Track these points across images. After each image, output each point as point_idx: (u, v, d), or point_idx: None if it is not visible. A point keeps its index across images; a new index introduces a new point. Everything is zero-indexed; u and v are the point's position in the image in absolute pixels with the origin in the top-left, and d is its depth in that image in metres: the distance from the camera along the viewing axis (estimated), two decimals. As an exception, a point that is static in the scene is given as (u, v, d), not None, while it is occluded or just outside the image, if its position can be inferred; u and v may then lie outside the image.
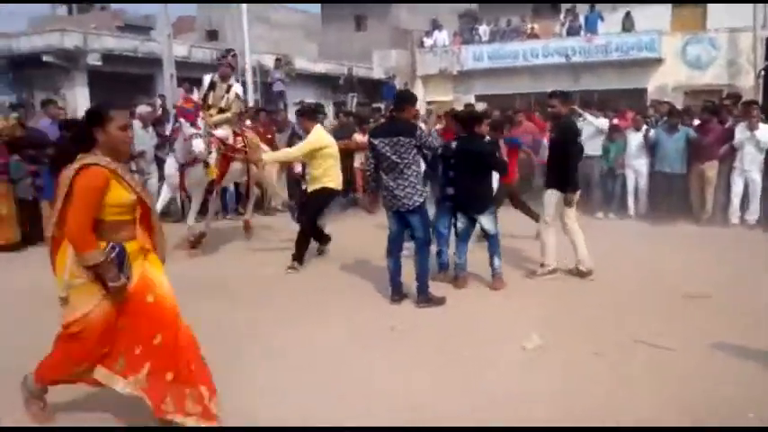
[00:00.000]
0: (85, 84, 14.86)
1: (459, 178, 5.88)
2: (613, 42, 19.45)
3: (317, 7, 25.82)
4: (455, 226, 6.08)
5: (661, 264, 6.73)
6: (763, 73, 17.20)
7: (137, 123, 9.24)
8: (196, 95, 7.79)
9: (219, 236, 8.27)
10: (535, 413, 3.42)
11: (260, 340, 4.49)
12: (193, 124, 6.63)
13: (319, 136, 6.81)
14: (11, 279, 6.54)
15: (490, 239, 5.96)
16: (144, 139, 9.38)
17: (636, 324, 4.83)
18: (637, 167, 9.52)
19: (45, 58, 14.24)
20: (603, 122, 9.70)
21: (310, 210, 6.90)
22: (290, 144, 9.28)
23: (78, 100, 14.41)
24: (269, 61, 17.28)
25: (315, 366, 4.06)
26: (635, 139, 9.49)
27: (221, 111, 7.42)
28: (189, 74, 15.71)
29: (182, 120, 6.72)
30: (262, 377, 3.86)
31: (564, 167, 6.07)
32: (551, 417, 3.38)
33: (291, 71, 18.10)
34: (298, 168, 10.86)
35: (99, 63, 14.83)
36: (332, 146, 6.85)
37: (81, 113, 11.02)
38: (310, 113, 7.17)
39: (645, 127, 9.57)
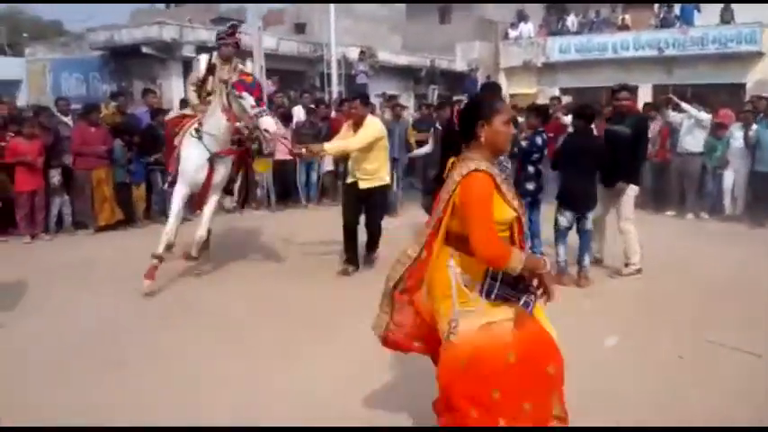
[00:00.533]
0: (180, 74, 15.57)
1: (569, 175, 5.93)
2: (710, 34, 18.45)
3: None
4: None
5: (749, 267, 6.45)
6: None
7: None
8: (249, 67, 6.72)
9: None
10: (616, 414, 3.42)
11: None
12: (259, 101, 5.47)
13: (379, 126, 6.27)
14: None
15: (585, 236, 5.95)
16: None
17: (719, 328, 4.70)
18: (737, 166, 9.09)
19: (144, 50, 15.04)
20: (705, 116, 9.29)
21: (380, 210, 6.52)
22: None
23: (174, 89, 15.15)
24: (353, 53, 17.55)
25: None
26: (739, 136, 9.05)
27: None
28: (278, 65, 16.25)
29: (243, 94, 5.43)
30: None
31: (637, 162, 6.02)
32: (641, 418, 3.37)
33: (375, 63, 18.30)
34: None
35: (193, 54, 15.51)
36: (386, 137, 6.38)
37: (176, 102, 11.67)
38: (365, 99, 6.51)
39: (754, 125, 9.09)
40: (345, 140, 6.13)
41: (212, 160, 5.84)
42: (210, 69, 6.26)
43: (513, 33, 22.20)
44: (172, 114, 7.34)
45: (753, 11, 18.27)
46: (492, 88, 5.68)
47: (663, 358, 4.17)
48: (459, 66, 21.86)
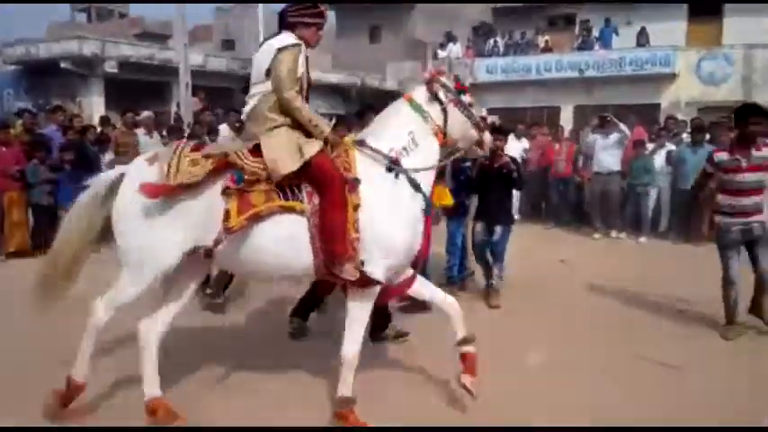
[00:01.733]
0: (102, 91, 15.06)
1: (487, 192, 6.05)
2: (627, 57, 19.41)
3: (331, 17, 26.04)
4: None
5: (677, 282, 6.69)
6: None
7: (140, 131, 9.38)
8: None
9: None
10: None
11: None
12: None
13: None
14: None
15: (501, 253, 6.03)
16: (148, 146, 9.41)
17: (641, 341, 4.84)
18: (661, 184, 9.41)
19: (63, 65, 14.44)
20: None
21: None
22: None
23: (94, 107, 14.59)
24: (283, 71, 17.39)
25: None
26: (660, 155, 9.40)
27: None
28: (205, 83, 15.93)
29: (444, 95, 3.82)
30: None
31: None
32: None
33: (305, 81, 18.20)
34: None
35: (115, 70, 15.02)
36: None
37: (96, 120, 11.19)
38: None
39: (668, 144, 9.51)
40: None
41: None
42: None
43: (441, 54, 22.61)
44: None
45: (667, 34, 19.34)
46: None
47: (586, 373, 4.24)
48: (390, 84, 22.07)
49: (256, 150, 3.37)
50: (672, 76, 19.10)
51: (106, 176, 3.54)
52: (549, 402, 3.80)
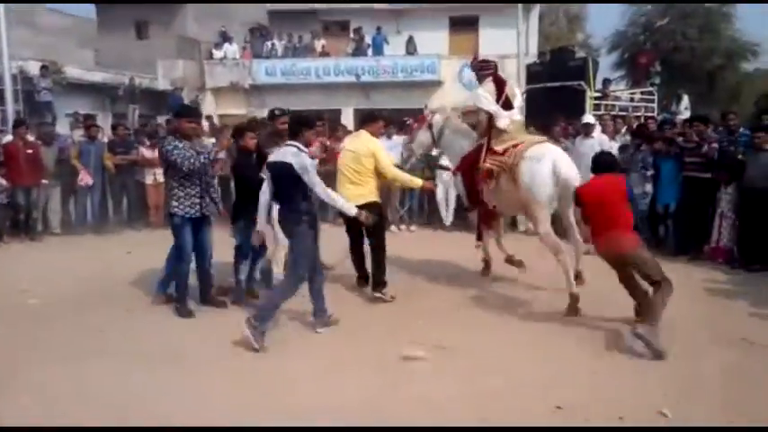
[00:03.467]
0: None
1: None
2: (399, 64, 20.51)
3: (92, 10, 23.66)
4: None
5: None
6: (524, 95, 19.23)
7: None
8: None
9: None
10: None
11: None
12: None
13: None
14: None
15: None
16: None
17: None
18: (446, 179, 9.91)
19: None
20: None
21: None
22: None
23: None
24: (34, 68, 15.37)
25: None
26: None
27: None
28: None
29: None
30: None
31: None
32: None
33: (62, 80, 16.32)
34: None
35: None
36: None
37: None
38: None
39: None
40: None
41: None
42: None
43: (217, 54, 21.82)
44: None
45: (432, 44, 20.80)
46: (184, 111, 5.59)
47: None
48: (162, 84, 20.73)
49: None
50: (438, 83, 20.57)
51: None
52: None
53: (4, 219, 9.33)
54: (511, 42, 19.29)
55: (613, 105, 12.40)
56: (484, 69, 6.28)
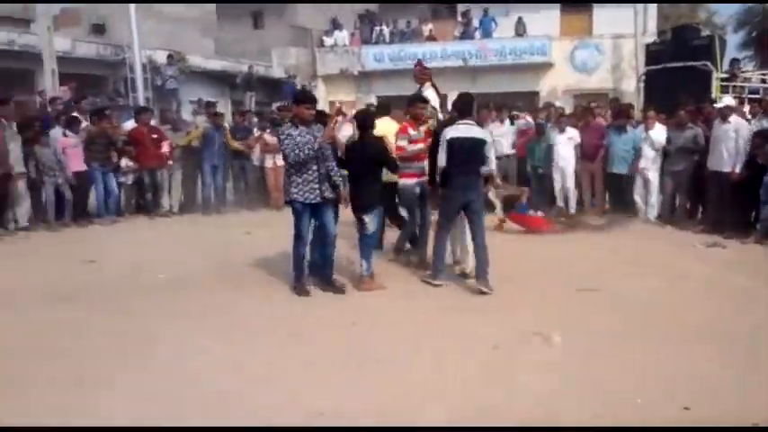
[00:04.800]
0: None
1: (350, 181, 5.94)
2: (507, 47, 20.11)
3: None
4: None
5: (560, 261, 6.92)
6: (643, 78, 18.31)
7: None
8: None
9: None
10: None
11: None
12: None
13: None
14: None
15: (363, 240, 5.87)
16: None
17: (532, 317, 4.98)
18: (563, 167, 9.59)
19: None
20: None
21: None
22: None
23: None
24: (161, 57, 16.46)
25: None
26: (561, 139, 9.56)
27: None
28: (75, 69, 14.71)
29: None
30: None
31: None
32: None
33: (186, 68, 17.35)
34: None
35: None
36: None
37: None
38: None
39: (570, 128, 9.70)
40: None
41: None
42: None
43: (328, 41, 22.35)
44: None
45: (542, 25, 20.21)
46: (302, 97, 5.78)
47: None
48: (277, 72, 21.52)
49: None
50: (548, 65, 20.00)
51: None
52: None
53: (130, 198, 10.21)
54: (627, 21, 18.44)
55: (743, 87, 11.53)
56: (424, 75, 7.31)
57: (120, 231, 9.13)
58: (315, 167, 5.52)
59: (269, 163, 10.55)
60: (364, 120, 6.00)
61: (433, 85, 7.22)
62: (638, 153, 9.00)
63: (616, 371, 3.99)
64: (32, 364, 4.13)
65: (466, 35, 21.01)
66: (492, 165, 5.87)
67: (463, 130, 5.71)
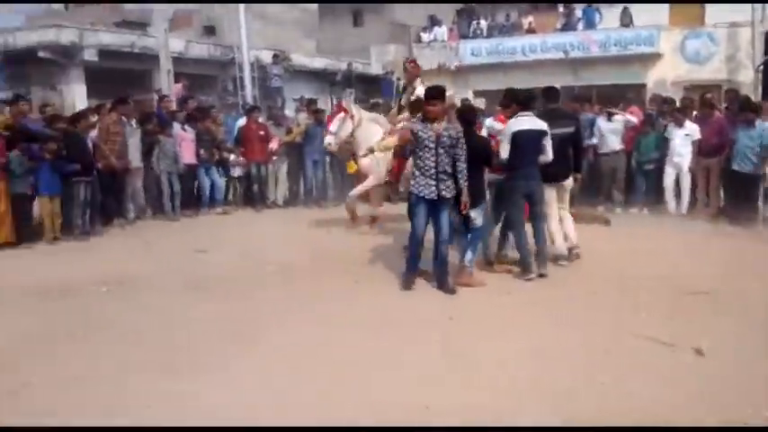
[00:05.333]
0: (82, 79, 14.75)
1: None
2: (612, 37, 19.40)
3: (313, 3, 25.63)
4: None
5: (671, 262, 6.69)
6: (762, 68, 17.15)
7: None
8: None
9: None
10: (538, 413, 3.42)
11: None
12: None
13: None
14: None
15: (473, 233, 5.91)
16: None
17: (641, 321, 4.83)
18: (678, 163, 9.26)
19: (41, 54, 14.13)
20: (634, 119, 9.60)
21: None
22: None
23: (75, 95, 14.31)
24: (266, 57, 17.20)
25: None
26: (678, 134, 9.24)
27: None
28: (188, 69, 15.68)
29: None
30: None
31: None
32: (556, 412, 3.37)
33: (289, 67, 18.03)
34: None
35: (95, 59, 14.71)
36: None
37: (78, 108, 10.95)
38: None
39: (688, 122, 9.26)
40: None
41: None
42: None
43: (426, 37, 22.45)
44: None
45: (650, 13, 19.34)
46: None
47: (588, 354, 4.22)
48: (375, 69, 21.89)
49: None
50: (656, 56, 19.12)
51: None
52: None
53: (239, 190, 10.97)
54: (743, 10, 17.31)
55: None
56: (414, 71, 7.84)
57: (228, 222, 9.70)
58: (432, 164, 5.47)
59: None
60: (469, 116, 6.05)
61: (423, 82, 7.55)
62: (764, 151, 8.39)
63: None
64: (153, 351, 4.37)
65: (568, 26, 20.45)
66: (549, 155, 5.97)
67: (527, 122, 5.93)
